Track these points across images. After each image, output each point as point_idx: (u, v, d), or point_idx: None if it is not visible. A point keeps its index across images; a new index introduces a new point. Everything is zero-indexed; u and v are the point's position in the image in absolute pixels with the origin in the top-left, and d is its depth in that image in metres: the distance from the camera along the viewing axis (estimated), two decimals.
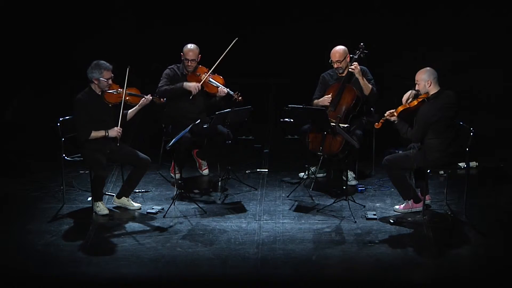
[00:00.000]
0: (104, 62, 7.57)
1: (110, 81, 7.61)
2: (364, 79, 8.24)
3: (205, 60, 8.52)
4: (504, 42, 10.40)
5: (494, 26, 10.37)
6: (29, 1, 10.45)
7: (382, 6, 10.54)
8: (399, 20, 10.51)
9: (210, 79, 8.43)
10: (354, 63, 8.21)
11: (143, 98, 7.77)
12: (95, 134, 7.56)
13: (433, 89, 7.42)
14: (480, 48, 10.40)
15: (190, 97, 8.36)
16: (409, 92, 7.51)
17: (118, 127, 7.59)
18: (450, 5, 10.40)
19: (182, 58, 8.44)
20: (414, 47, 10.42)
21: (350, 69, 8.22)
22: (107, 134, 7.58)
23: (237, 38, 8.34)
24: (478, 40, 10.40)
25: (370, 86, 8.26)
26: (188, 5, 10.63)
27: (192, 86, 8.36)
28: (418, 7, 10.48)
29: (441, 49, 10.35)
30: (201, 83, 8.38)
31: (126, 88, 7.65)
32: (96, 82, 7.57)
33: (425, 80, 7.41)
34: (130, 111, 7.79)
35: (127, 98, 7.68)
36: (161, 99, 8.08)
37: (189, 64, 8.39)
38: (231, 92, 8.38)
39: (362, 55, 8.33)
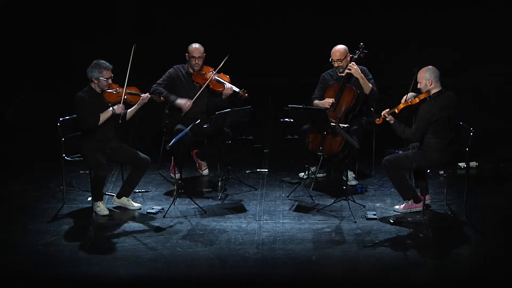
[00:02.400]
0: (104, 61, 7.57)
1: (109, 81, 7.61)
2: (364, 79, 8.24)
3: (206, 60, 8.52)
4: (505, 41, 10.39)
5: (494, 25, 10.37)
6: (29, 2, 10.44)
7: (382, 6, 10.54)
8: (399, 20, 10.50)
9: (216, 77, 8.42)
10: (351, 63, 8.21)
11: (141, 97, 7.77)
12: (102, 116, 7.55)
13: (434, 88, 7.41)
14: (480, 47, 10.40)
15: (182, 115, 8.34)
16: (409, 94, 7.51)
17: (121, 104, 7.59)
18: (449, 4, 10.40)
19: (188, 58, 8.44)
20: (413, 47, 10.41)
21: (346, 70, 8.23)
22: (113, 111, 7.57)
23: (228, 55, 8.32)
24: (478, 40, 10.40)
25: (370, 85, 8.26)
26: (188, 5, 10.62)
27: (183, 103, 8.34)
28: (417, 6, 10.48)
29: (441, 48, 10.35)
30: (207, 82, 8.37)
31: (126, 86, 7.65)
32: (95, 81, 7.56)
33: (426, 79, 7.40)
34: (129, 110, 7.79)
35: (126, 96, 7.67)
36: (161, 97, 8.07)
37: (197, 62, 8.39)
38: (237, 89, 8.37)
39: (362, 55, 8.34)
